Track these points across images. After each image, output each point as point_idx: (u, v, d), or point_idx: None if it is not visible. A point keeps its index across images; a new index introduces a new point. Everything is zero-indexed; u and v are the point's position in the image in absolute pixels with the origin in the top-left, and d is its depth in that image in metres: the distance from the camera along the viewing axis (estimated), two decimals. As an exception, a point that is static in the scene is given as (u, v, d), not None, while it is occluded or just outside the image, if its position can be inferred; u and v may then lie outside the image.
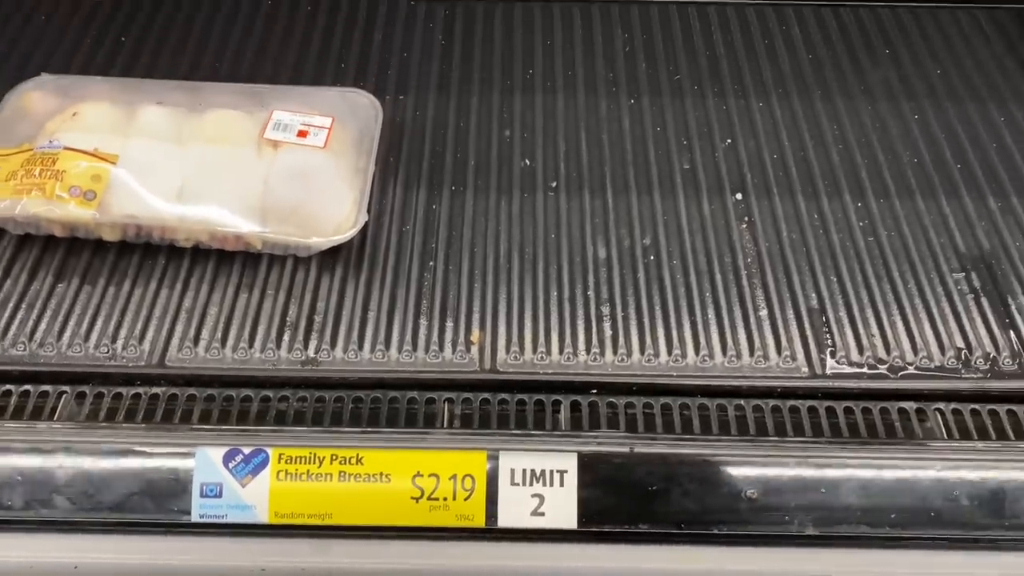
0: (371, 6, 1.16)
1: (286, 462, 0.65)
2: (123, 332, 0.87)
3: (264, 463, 0.65)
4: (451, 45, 1.14)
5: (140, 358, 0.85)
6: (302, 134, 0.96)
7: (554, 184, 1.01)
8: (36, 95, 1.01)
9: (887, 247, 0.95)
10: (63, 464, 0.67)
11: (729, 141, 1.05)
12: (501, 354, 0.86)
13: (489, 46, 1.13)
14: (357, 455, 0.65)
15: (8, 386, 0.83)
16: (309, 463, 0.65)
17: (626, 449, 0.66)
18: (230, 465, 0.65)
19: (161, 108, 0.98)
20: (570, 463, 0.65)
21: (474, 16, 1.16)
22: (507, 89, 1.10)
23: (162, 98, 0.99)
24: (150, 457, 0.66)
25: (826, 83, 1.10)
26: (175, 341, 0.86)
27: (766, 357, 0.85)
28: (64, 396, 0.82)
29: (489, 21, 1.16)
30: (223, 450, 0.65)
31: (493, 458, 0.66)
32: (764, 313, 0.89)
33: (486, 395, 0.82)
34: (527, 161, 1.03)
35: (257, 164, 0.94)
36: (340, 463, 0.65)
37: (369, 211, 0.95)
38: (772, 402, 0.82)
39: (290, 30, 1.16)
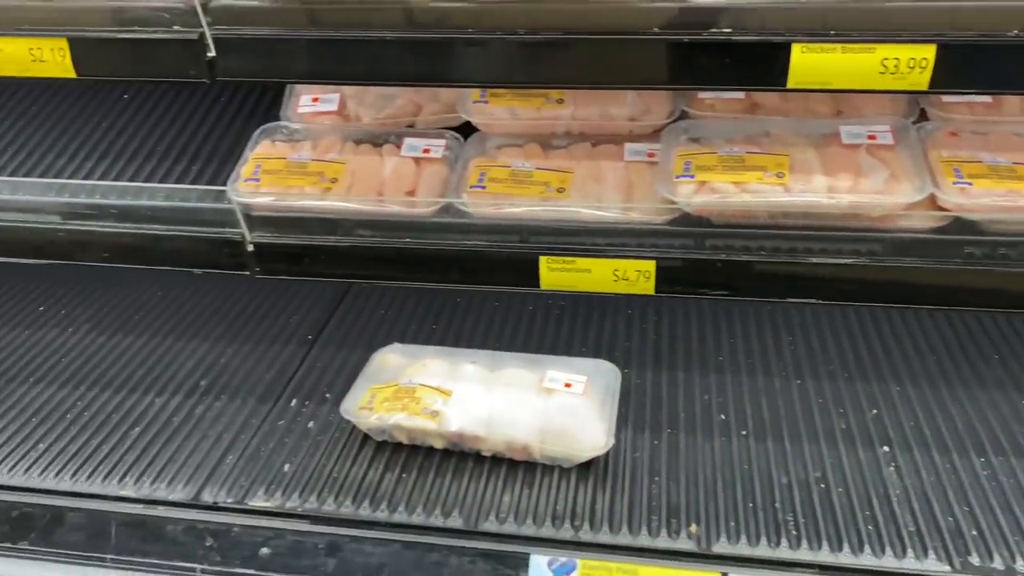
0: (614, 314, 1.68)
1: (589, 569, 1.02)
2: (438, 508, 1.30)
3: (574, 569, 1.02)
4: (659, 336, 1.62)
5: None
6: (567, 385, 1.42)
7: (742, 432, 1.41)
8: (392, 356, 1.53)
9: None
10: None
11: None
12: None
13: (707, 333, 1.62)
14: (635, 570, 1.01)
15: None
16: (602, 571, 1.01)
17: None
18: (553, 567, 1.02)
19: (474, 366, 1.48)
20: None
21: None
22: (716, 368, 1.54)
23: (474, 359, 1.49)
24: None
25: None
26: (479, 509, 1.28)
27: None
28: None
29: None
30: (547, 558, 1.03)
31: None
32: None
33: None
34: (723, 416, 1.44)
35: (538, 402, 1.40)
36: (622, 573, 1.01)
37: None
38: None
39: (560, 324, 1.68)
